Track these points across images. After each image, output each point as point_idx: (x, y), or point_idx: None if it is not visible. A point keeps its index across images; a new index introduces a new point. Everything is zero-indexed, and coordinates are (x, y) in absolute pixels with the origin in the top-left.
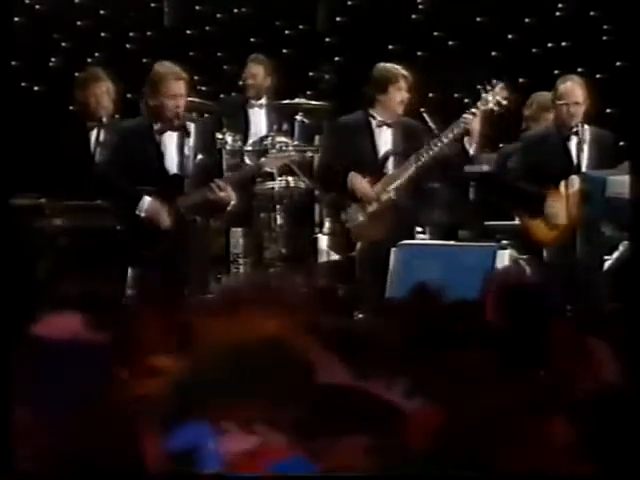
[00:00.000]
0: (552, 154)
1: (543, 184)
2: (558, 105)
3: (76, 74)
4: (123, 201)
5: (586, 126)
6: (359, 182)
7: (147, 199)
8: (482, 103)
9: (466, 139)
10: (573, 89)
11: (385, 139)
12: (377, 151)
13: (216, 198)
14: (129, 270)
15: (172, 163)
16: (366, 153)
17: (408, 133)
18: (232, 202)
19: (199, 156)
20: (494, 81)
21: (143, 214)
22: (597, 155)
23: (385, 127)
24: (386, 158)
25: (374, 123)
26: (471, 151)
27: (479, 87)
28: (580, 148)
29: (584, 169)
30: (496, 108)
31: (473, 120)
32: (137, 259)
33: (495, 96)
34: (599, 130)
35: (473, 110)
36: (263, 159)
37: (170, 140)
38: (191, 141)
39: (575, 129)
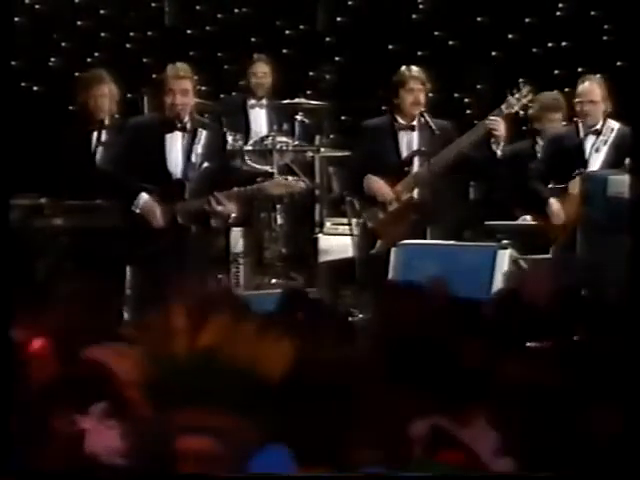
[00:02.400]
0: (568, 153)
1: (559, 183)
2: (576, 104)
3: (79, 74)
4: (122, 196)
5: (614, 125)
6: (375, 183)
7: (144, 196)
8: (507, 106)
9: (492, 140)
10: (590, 88)
11: (407, 141)
12: (400, 153)
13: (213, 211)
14: (127, 270)
15: (175, 165)
16: (389, 155)
17: (432, 135)
18: (232, 215)
19: (205, 163)
20: (521, 84)
21: (138, 210)
22: (617, 155)
23: (408, 130)
24: (410, 160)
25: (396, 126)
26: (498, 152)
27: (506, 91)
28: (595, 147)
29: (597, 168)
30: (521, 112)
31: (499, 123)
32: (133, 259)
33: (521, 99)
34: (627, 129)
35: (497, 113)
36: (267, 183)
37: (174, 141)
38: (199, 148)
39: (595, 128)
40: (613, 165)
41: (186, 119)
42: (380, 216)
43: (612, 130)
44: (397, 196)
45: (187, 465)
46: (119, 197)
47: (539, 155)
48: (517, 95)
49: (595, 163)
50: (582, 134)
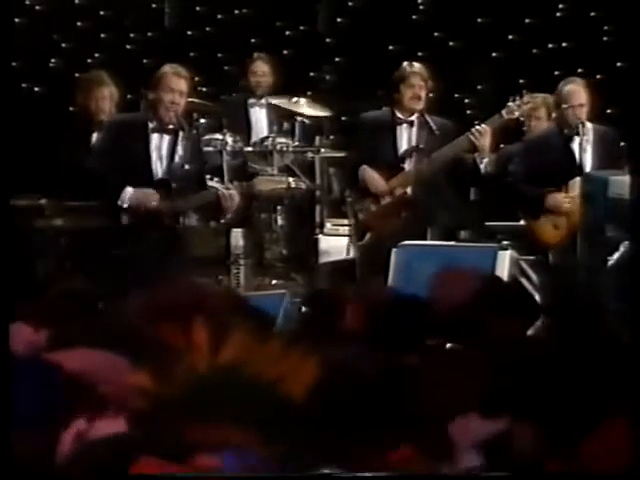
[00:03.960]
0: (555, 155)
1: (546, 186)
2: (564, 108)
3: (79, 76)
4: (106, 194)
5: (589, 125)
6: (369, 174)
7: (129, 189)
8: (507, 111)
9: (476, 155)
10: (577, 91)
11: (405, 137)
12: (397, 148)
13: (223, 197)
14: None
15: (159, 165)
16: (386, 149)
17: (431, 132)
18: (235, 204)
19: (186, 166)
20: (523, 91)
21: (126, 204)
22: (601, 153)
23: (405, 125)
24: (407, 155)
25: (395, 121)
26: (482, 167)
27: (510, 98)
28: (583, 148)
29: (588, 169)
30: (522, 118)
31: (483, 136)
32: (124, 258)
33: (522, 106)
34: (602, 128)
35: (497, 118)
36: (255, 180)
37: (160, 142)
38: (180, 149)
39: (577, 129)
40: (602, 163)
41: (173, 120)
42: (372, 209)
43: (589, 130)
44: (390, 190)
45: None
46: (103, 195)
47: (520, 159)
48: (518, 101)
49: (586, 163)
50: (567, 136)
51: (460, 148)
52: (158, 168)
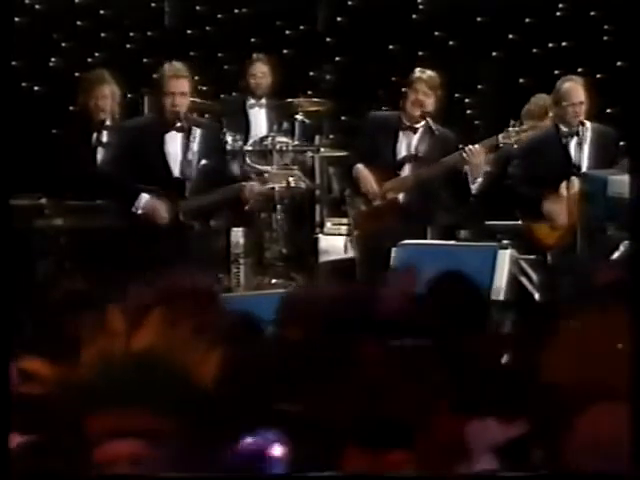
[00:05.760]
0: (553, 155)
1: (545, 186)
2: (563, 106)
3: (80, 75)
4: (122, 199)
5: (588, 124)
6: (363, 174)
7: (145, 196)
8: (504, 136)
9: (468, 175)
10: (576, 89)
11: (405, 143)
12: (396, 153)
13: (252, 194)
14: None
15: (174, 164)
16: (385, 152)
17: (432, 136)
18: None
19: (203, 161)
20: (522, 116)
21: (140, 211)
22: (598, 153)
23: (408, 131)
24: (404, 161)
25: (400, 125)
26: (473, 189)
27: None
28: (580, 148)
29: (584, 168)
30: (516, 145)
31: (476, 155)
32: (134, 259)
33: (520, 133)
34: (601, 127)
35: (493, 141)
36: (267, 175)
37: (173, 141)
38: (195, 146)
39: (575, 128)
40: (599, 163)
41: (181, 119)
42: (362, 208)
43: (587, 129)
44: (383, 194)
45: (117, 468)
46: (119, 199)
47: (518, 160)
48: (517, 127)
49: (582, 163)
50: (564, 135)
51: (454, 162)
52: (175, 168)
